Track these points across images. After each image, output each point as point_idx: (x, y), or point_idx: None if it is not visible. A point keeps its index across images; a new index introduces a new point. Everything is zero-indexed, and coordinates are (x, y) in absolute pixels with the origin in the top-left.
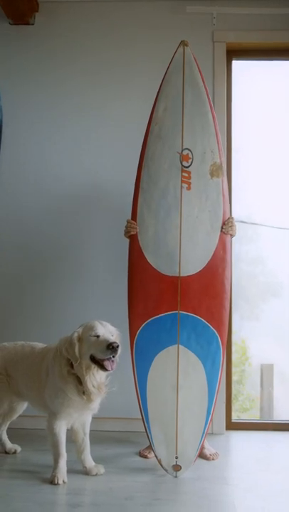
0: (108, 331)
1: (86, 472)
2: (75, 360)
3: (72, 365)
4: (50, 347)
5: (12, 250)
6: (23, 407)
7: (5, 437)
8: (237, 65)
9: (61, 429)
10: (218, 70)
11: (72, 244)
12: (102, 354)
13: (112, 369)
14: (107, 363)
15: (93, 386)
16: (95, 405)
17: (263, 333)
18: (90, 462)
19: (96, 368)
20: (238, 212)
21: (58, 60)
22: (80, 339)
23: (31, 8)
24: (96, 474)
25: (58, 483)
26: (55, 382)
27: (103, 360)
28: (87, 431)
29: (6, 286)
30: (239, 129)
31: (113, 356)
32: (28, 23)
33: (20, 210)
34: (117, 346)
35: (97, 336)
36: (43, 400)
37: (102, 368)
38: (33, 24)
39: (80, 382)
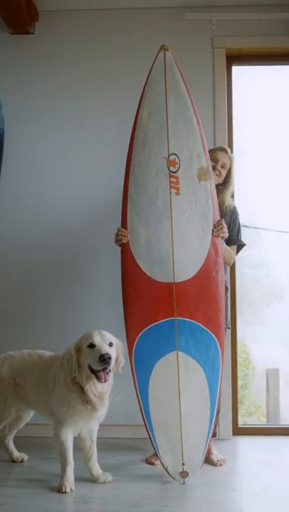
0: (105, 340)
1: (94, 480)
2: (73, 371)
3: None
4: (57, 355)
5: (14, 263)
6: (29, 415)
7: (12, 446)
8: (237, 70)
9: (68, 437)
10: (218, 75)
11: (69, 256)
12: (95, 365)
13: (105, 380)
14: (100, 374)
15: (94, 395)
16: (100, 414)
17: (268, 337)
18: (97, 470)
19: (92, 377)
20: (240, 216)
21: (58, 69)
22: (78, 349)
23: (31, 17)
24: (104, 482)
25: (65, 492)
26: (61, 390)
27: (98, 371)
28: (94, 438)
29: (10, 298)
30: (240, 134)
31: (105, 368)
32: (28, 33)
33: (22, 220)
34: (109, 358)
35: (93, 346)
36: (50, 408)
37: (97, 378)
38: (33, 33)
39: (82, 390)
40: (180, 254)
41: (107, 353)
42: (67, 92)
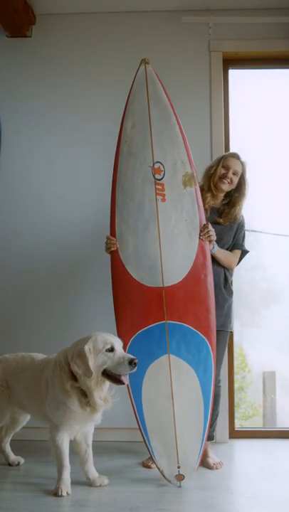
0: (119, 343)
1: (90, 483)
2: (88, 375)
3: (75, 379)
4: (48, 359)
5: (9, 269)
6: (26, 418)
7: (8, 449)
8: (233, 73)
9: (63, 440)
10: (214, 79)
11: (61, 263)
12: (122, 369)
13: (127, 382)
14: (124, 378)
15: (100, 398)
16: (98, 416)
17: (265, 340)
18: (93, 473)
19: (104, 380)
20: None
21: (55, 72)
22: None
23: (28, 20)
24: (100, 485)
25: (61, 495)
26: (56, 395)
27: (120, 375)
28: (90, 442)
29: (6, 303)
30: (236, 138)
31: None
32: (25, 36)
33: (15, 225)
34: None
35: (113, 350)
36: (45, 412)
37: (117, 382)
38: (30, 37)
39: (83, 394)
40: (168, 258)
41: (136, 358)
42: (64, 96)
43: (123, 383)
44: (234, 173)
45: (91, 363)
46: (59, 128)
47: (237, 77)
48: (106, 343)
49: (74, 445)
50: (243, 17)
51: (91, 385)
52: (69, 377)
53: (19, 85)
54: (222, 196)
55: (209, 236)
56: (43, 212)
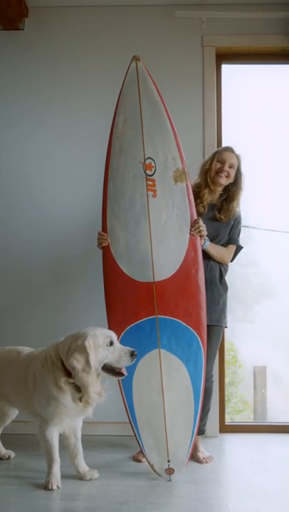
0: (115, 336)
1: (80, 477)
2: (88, 370)
3: (68, 374)
4: (34, 354)
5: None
6: (15, 412)
7: None
8: (226, 68)
9: (53, 435)
10: (207, 74)
11: (54, 260)
12: (124, 362)
13: (126, 373)
14: (124, 370)
15: (95, 393)
16: (90, 410)
17: (256, 335)
18: (83, 467)
19: (100, 375)
20: None
21: (48, 65)
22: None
23: (21, 13)
24: (90, 479)
25: (52, 489)
26: (47, 391)
27: (121, 368)
28: (79, 436)
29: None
30: (229, 133)
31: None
32: (17, 29)
33: (11, 222)
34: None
35: (112, 344)
36: (33, 407)
37: (118, 374)
38: (22, 29)
39: (76, 389)
40: (159, 253)
41: (135, 349)
42: (56, 90)
43: (124, 375)
44: (230, 166)
45: (92, 359)
46: (51, 123)
47: (230, 72)
48: (106, 338)
49: (63, 439)
50: (237, 12)
51: (88, 380)
52: (63, 373)
53: (11, 79)
54: (220, 191)
55: (200, 231)
56: (36, 208)
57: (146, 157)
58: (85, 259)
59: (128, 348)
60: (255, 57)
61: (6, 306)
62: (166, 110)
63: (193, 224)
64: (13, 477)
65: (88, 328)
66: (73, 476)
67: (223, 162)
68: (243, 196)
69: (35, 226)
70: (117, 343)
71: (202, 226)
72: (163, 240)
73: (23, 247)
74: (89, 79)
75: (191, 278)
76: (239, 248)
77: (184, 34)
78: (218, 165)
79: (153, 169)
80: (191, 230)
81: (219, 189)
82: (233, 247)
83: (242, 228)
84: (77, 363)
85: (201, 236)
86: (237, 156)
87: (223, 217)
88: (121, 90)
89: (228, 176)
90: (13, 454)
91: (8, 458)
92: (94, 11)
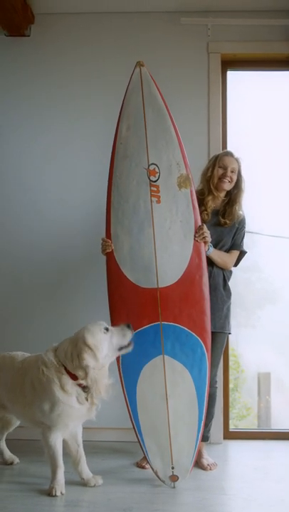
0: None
1: (84, 483)
2: (98, 366)
3: (73, 378)
4: (29, 360)
5: (4, 271)
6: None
7: (4, 447)
8: (232, 75)
9: (57, 441)
10: (213, 80)
11: (57, 266)
12: (128, 336)
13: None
14: (131, 341)
15: (105, 388)
16: (94, 412)
17: (260, 340)
18: (87, 473)
19: (105, 370)
20: None
21: (53, 72)
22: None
23: (27, 20)
24: (94, 485)
25: (56, 495)
26: (51, 397)
27: (128, 343)
28: (81, 442)
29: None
30: (234, 139)
31: None
32: (23, 35)
33: (13, 226)
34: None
35: (107, 330)
36: (32, 415)
37: (128, 346)
38: (28, 36)
39: (83, 389)
40: (163, 260)
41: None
42: (61, 95)
43: (132, 345)
44: (232, 171)
45: (99, 354)
46: (56, 128)
47: (235, 78)
48: (101, 328)
49: (65, 446)
50: (242, 19)
51: (100, 375)
52: (68, 377)
53: (17, 84)
54: (222, 196)
55: (204, 237)
56: (38, 213)
57: (150, 163)
58: (89, 265)
59: (122, 325)
60: (260, 64)
61: (7, 312)
62: (170, 115)
63: (198, 230)
64: (17, 483)
65: (81, 329)
66: (77, 482)
67: (225, 168)
68: (247, 201)
69: (39, 231)
70: (110, 327)
71: (206, 232)
72: (167, 246)
73: (25, 253)
74: (94, 85)
75: (195, 284)
76: (243, 253)
77: (189, 41)
78: (221, 171)
79: (157, 175)
80: (195, 236)
81: (222, 195)
82: (236, 253)
83: (246, 234)
84: (87, 362)
85: (205, 242)
86: (237, 160)
87: (227, 222)
88: (125, 96)
89: (231, 181)
90: (17, 460)
91: (12, 463)
92: (100, 17)
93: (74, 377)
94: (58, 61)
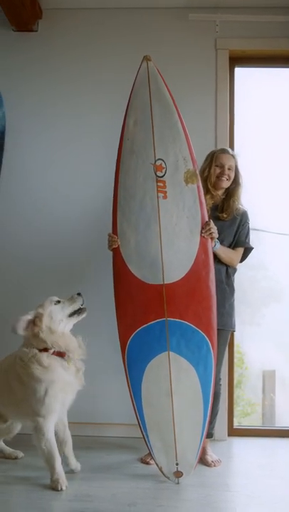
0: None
1: (67, 464)
2: (56, 331)
3: (45, 351)
4: (7, 361)
5: (10, 264)
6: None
7: (2, 445)
8: (240, 72)
9: (52, 432)
10: (220, 77)
11: (63, 261)
12: (78, 302)
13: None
14: (83, 308)
15: (76, 346)
16: (82, 378)
17: (265, 338)
18: (72, 456)
19: (68, 329)
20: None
21: (61, 67)
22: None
23: (35, 15)
24: (74, 469)
25: (62, 489)
26: (39, 380)
27: (80, 308)
28: (66, 423)
29: (8, 302)
30: (241, 136)
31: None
32: (31, 30)
33: (20, 223)
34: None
35: (59, 302)
36: (26, 410)
37: (81, 312)
38: (36, 31)
39: (60, 355)
40: (169, 256)
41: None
42: (69, 91)
43: (85, 309)
44: (229, 169)
45: (54, 321)
46: (63, 123)
47: (243, 75)
48: (51, 301)
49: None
50: (251, 15)
51: (64, 340)
52: (42, 353)
53: (24, 79)
54: (221, 194)
55: (211, 233)
56: (43, 210)
57: (156, 158)
58: (96, 261)
59: (73, 295)
60: (269, 60)
61: (10, 310)
62: (177, 110)
63: (205, 226)
64: (22, 477)
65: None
66: (82, 477)
67: (222, 166)
68: (253, 199)
69: (44, 228)
70: (62, 299)
71: (213, 228)
72: (173, 242)
73: (31, 249)
74: (101, 80)
75: (201, 280)
76: (249, 249)
77: (197, 37)
78: (218, 170)
79: (163, 170)
80: (201, 232)
81: (220, 192)
82: (241, 250)
83: (251, 231)
84: (43, 328)
85: (211, 238)
86: (233, 156)
87: (225, 216)
88: (132, 90)
89: (228, 179)
90: (21, 454)
91: (16, 458)
92: (108, 13)
93: (46, 351)
94: (65, 56)
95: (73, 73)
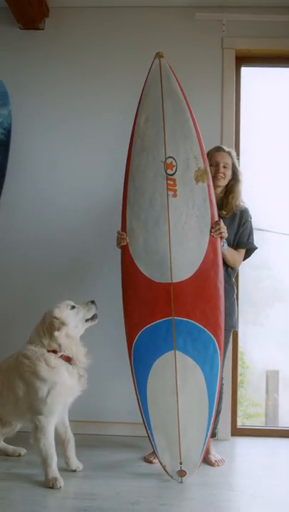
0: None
1: (66, 466)
2: (70, 336)
3: (54, 353)
4: (8, 361)
5: (17, 263)
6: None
7: (3, 444)
8: (246, 71)
9: (52, 431)
10: (227, 76)
11: (71, 258)
12: (92, 310)
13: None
14: (96, 316)
15: (83, 356)
16: (85, 382)
17: (269, 338)
18: (73, 457)
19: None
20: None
21: (68, 65)
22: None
23: (41, 13)
24: (76, 469)
25: (60, 487)
26: (43, 380)
27: (93, 315)
28: (68, 424)
29: (14, 299)
30: (247, 136)
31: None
32: (38, 28)
33: (27, 221)
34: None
35: (74, 307)
36: (25, 409)
37: (93, 319)
38: (43, 29)
39: (67, 360)
40: (177, 254)
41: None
42: (75, 89)
43: (96, 315)
44: (225, 166)
45: (69, 326)
46: (69, 121)
47: (249, 75)
48: (67, 306)
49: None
50: (257, 15)
51: (74, 346)
52: (50, 354)
53: (31, 77)
54: (219, 192)
55: (220, 233)
56: (53, 207)
57: (167, 156)
58: (104, 258)
59: (87, 301)
60: (275, 60)
61: (18, 304)
62: (189, 108)
63: (214, 225)
64: (25, 474)
65: (48, 308)
66: (85, 475)
67: (217, 165)
68: (257, 199)
69: (54, 224)
70: (76, 305)
71: (223, 228)
72: (182, 241)
73: (40, 245)
74: (107, 79)
75: (209, 280)
76: (252, 250)
77: (204, 36)
78: (213, 169)
79: (174, 168)
80: (211, 231)
81: (218, 190)
82: (243, 251)
83: (255, 231)
84: (58, 333)
85: (221, 238)
86: (229, 153)
87: (225, 213)
88: (143, 87)
89: (224, 177)
90: (24, 451)
91: (19, 455)
92: (114, 11)
93: (54, 353)
94: (71, 55)
95: (79, 71)
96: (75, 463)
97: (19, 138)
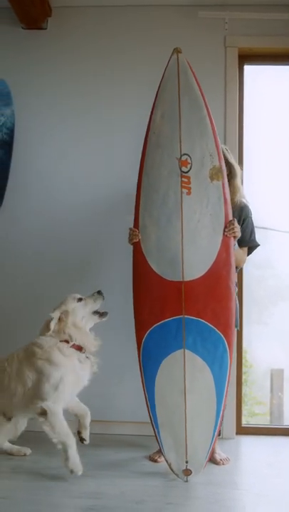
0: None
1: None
2: (78, 326)
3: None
4: (18, 356)
5: (26, 258)
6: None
7: (8, 445)
8: (249, 69)
9: (62, 414)
10: (229, 74)
11: (81, 254)
12: (99, 301)
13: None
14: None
15: (93, 342)
16: (95, 367)
17: (273, 337)
18: (88, 431)
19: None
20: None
21: (70, 65)
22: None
23: (44, 12)
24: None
25: (79, 473)
26: (56, 367)
27: (102, 312)
28: (78, 400)
29: (22, 295)
30: (250, 134)
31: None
32: (40, 28)
33: (31, 217)
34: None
35: (81, 299)
36: (32, 398)
37: (103, 315)
38: (45, 29)
39: (78, 349)
40: (189, 253)
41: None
42: (79, 89)
43: (106, 313)
44: None
45: (77, 317)
46: (72, 121)
47: (252, 73)
48: (74, 298)
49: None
50: (260, 13)
51: (84, 336)
52: (63, 343)
53: (34, 77)
54: None
55: (234, 232)
56: (60, 205)
57: (182, 153)
58: (115, 255)
59: (94, 293)
60: (278, 58)
61: (24, 302)
62: (206, 105)
63: (228, 224)
64: (30, 473)
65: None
66: (91, 474)
67: None
68: (260, 197)
69: (59, 222)
70: (83, 297)
71: (237, 227)
72: (195, 239)
73: (45, 243)
74: (109, 79)
75: (221, 279)
76: (254, 247)
77: (206, 34)
78: None
79: (189, 166)
80: (224, 231)
81: None
82: (245, 250)
83: (258, 229)
84: (67, 323)
85: (234, 237)
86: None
87: None
88: (160, 84)
89: None
90: (29, 451)
91: (24, 455)
92: (117, 10)
93: (66, 343)
94: (74, 54)
95: (82, 71)
96: (87, 435)
97: (22, 137)
